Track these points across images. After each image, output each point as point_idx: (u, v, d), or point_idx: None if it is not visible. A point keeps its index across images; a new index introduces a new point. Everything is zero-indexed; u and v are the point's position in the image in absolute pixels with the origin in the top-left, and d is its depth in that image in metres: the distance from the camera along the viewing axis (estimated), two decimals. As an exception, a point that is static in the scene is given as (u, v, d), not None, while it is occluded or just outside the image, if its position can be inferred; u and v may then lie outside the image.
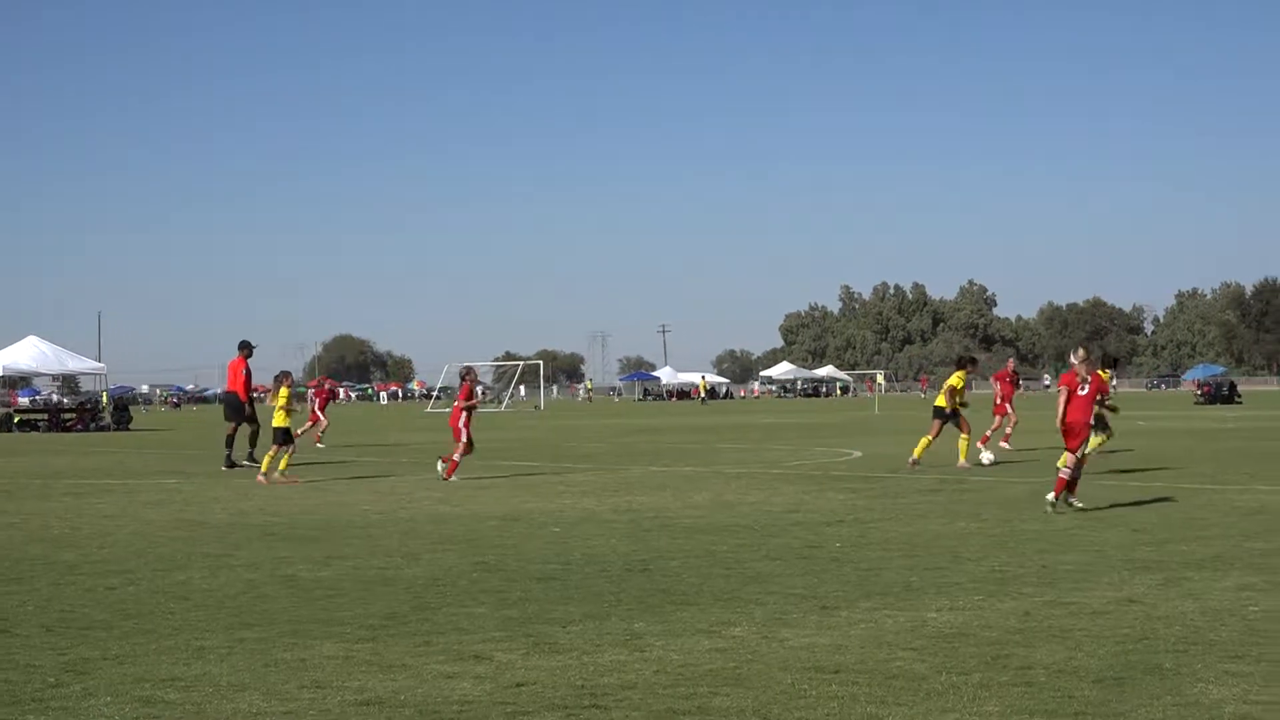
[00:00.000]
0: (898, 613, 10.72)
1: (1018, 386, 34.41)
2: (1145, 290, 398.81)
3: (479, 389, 25.69)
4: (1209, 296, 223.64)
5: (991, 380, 33.97)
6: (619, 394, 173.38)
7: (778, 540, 15.57)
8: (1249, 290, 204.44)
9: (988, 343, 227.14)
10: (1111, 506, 18.80)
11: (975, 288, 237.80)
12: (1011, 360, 37.05)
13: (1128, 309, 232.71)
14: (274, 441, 25.84)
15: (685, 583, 12.51)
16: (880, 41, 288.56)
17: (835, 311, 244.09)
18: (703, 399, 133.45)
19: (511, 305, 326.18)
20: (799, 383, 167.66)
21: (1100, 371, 23.05)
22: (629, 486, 23.54)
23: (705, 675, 8.68)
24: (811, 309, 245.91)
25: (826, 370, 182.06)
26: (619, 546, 15.27)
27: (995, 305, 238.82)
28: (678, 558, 14.23)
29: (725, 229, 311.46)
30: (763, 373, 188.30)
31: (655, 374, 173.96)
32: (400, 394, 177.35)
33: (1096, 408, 21.20)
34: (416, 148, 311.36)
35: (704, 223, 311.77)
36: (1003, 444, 31.32)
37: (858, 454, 33.12)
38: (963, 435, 27.34)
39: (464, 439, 25.57)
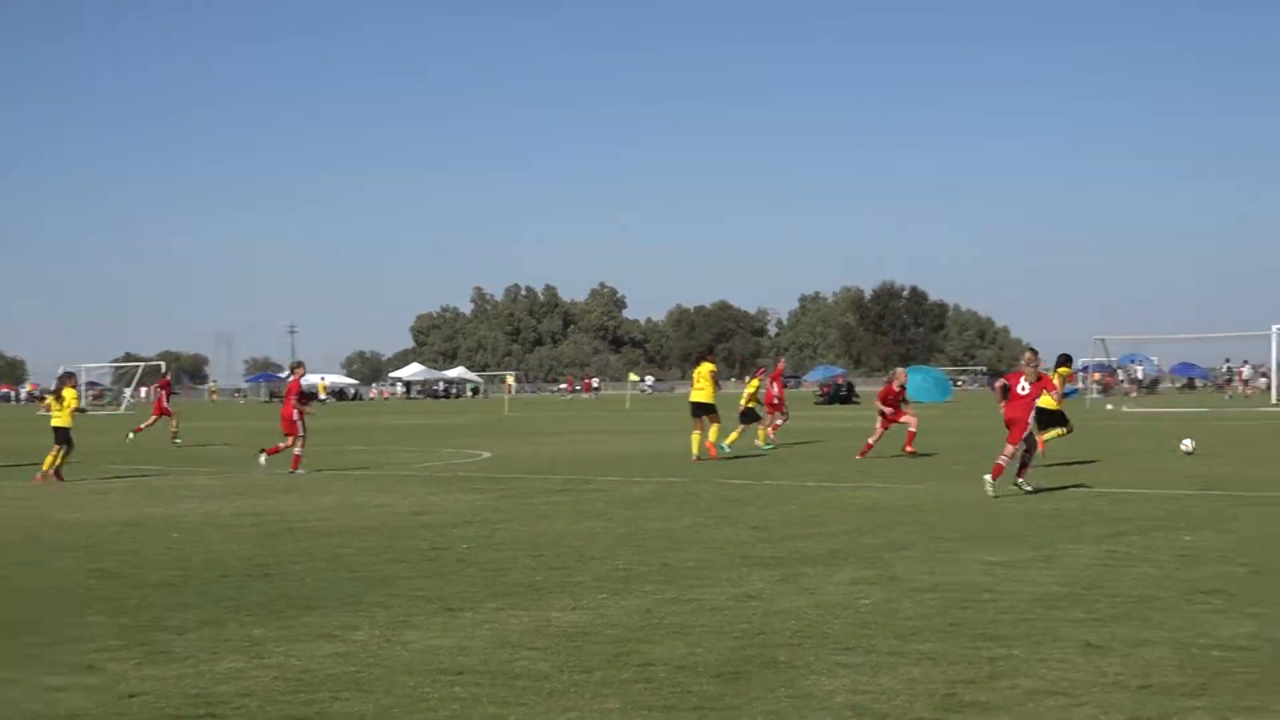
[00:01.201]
0: (522, 613, 10.74)
1: (788, 385, 36.38)
2: (769, 294, 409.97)
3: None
4: (830, 300, 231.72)
5: (769, 379, 36.22)
6: (245, 395, 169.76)
7: (404, 542, 15.46)
8: (867, 294, 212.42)
9: (617, 344, 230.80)
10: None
11: (606, 290, 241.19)
12: (782, 359, 40.53)
13: (753, 311, 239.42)
14: (55, 442, 25.61)
15: (308, 587, 12.30)
16: (506, 46, 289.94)
17: (467, 313, 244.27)
18: (321, 400, 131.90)
19: (133, 305, 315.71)
20: (440, 385, 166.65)
21: (1062, 369, 27.69)
22: (254, 490, 23.06)
23: (326, 680, 8.54)
24: (443, 310, 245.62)
25: (457, 371, 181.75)
26: (241, 551, 14.94)
27: (625, 308, 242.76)
28: (302, 562, 13.99)
29: (356, 228, 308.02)
30: (392, 374, 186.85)
31: (282, 375, 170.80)
32: (12, 396, 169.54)
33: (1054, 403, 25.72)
34: (15, 142, 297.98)
35: (334, 222, 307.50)
36: (771, 434, 34.48)
37: (487, 455, 33.17)
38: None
39: (300, 431, 26.46)
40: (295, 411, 26.69)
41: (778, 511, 18.36)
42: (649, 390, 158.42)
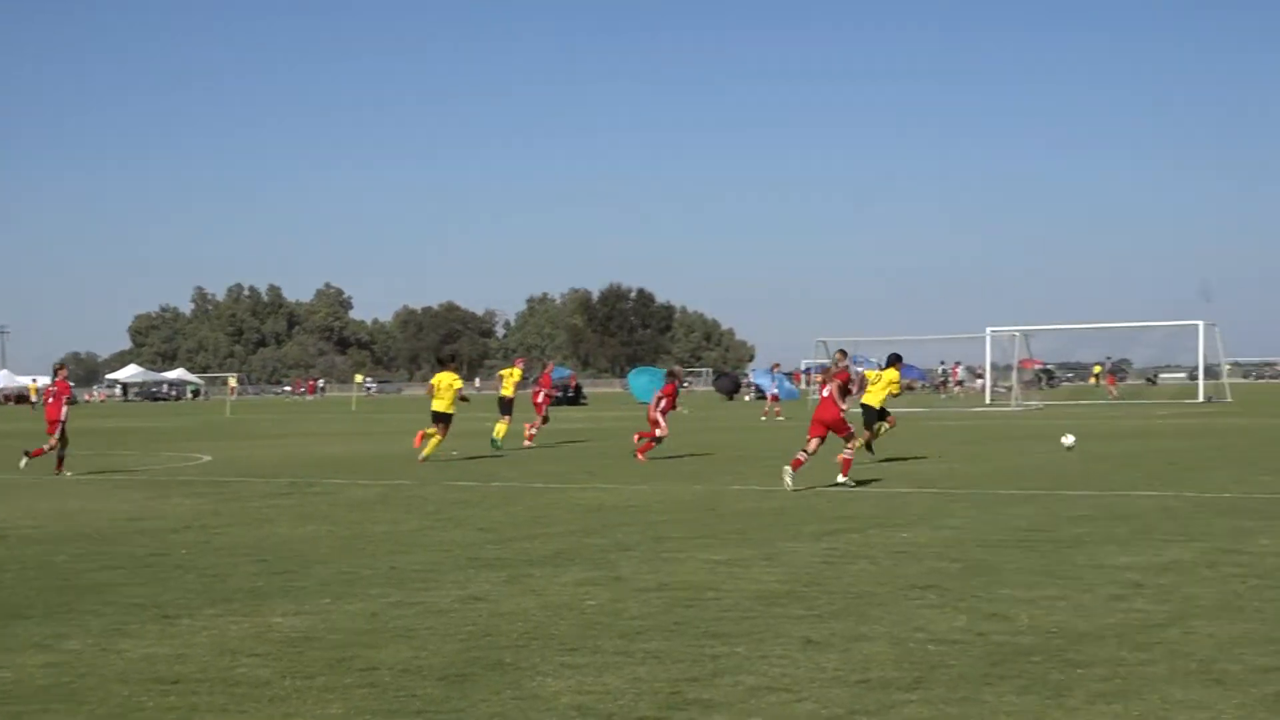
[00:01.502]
0: (243, 619, 10.51)
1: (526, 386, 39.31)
2: (497, 295, 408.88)
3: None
4: (558, 301, 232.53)
5: (536, 384, 37.91)
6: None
7: (119, 548, 15.02)
8: (595, 295, 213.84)
9: (343, 345, 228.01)
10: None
11: (331, 290, 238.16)
12: (551, 362, 41.71)
13: (480, 313, 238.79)
14: None
15: (18, 595, 11.87)
16: (220, 42, 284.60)
17: (187, 313, 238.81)
18: (33, 403, 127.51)
19: None
20: (160, 387, 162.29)
21: (890, 370, 28.49)
22: (-40, 495, 22.21)
23: (36, 692, 8.24)
24: (162, 310, 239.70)
25: (177, 373, 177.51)
26: (-55, 560, 14.35)
27: (351, 308, 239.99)
28: (11, 570, 13.50)
29: (70, 224, 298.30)
30: (109, 375, 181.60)
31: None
32: None
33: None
34: None
35: (46, 217, 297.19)
36: (526, 442, 35.00)
37: (208, 458, 32.49)
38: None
39: (58, 433, 27.25)
40: (62, 412, 27.35)
41: (505, 513, 18.34)
42: (375, 392, 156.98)
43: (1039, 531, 15.25)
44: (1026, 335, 75.31)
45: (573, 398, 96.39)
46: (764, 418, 54.28)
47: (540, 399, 36.26)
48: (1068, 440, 29.42)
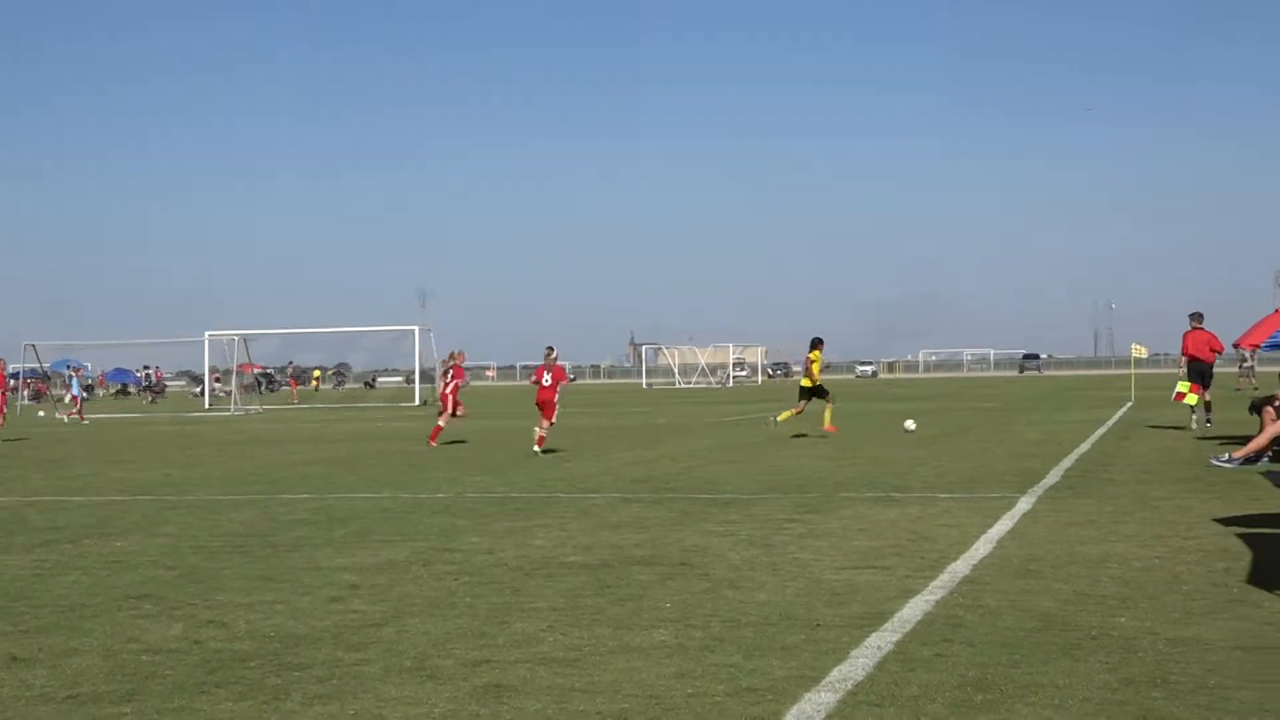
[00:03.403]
0: None
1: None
2: None
3: None
4: None
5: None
6: None
7: None
8: None
9: None
10: None
11: None
12: (4, 361, 42.07)
13: None
14: None
15: None
16: None
17: None
18: None
19: None
20: None
21: (811, 354, 31.98)
22: None
23: None
24: None
25: None
26: None
27: None
28: None
29: None
30: None
31: None
32: None
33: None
34: None
35: None
36: None
37: None
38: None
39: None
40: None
41: None
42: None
43: (258, 536, 15.24)
44: (246, 339, 75.30)
45: None
46: (66, 419, 58.34)
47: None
48: (909, 425, 32.77)
